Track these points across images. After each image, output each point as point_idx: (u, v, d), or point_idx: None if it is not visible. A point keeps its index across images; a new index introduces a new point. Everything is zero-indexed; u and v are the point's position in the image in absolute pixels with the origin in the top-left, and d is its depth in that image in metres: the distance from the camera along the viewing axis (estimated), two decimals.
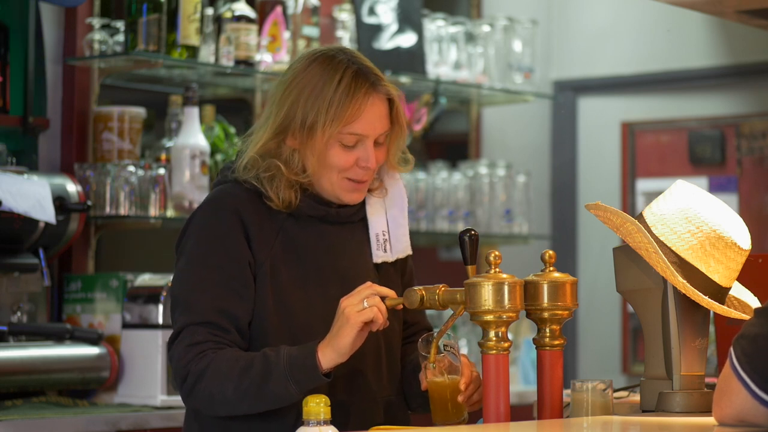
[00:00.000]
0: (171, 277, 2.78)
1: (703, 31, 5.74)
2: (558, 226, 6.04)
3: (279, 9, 4.57)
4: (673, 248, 2.64)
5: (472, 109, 5.66)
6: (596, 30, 6.00)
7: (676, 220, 2.66)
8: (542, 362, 2.62)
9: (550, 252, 2.61)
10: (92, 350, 3.99)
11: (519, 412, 2.73)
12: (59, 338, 3.96)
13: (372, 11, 5.02)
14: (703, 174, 5.73)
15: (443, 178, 5.23)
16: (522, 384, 5.33)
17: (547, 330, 2.61)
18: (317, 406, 2.26)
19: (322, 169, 2.70)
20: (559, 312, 2.58)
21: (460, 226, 5.13)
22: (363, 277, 2.70)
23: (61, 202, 3.97)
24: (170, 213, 4.22)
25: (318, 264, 2.73)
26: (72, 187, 4.04)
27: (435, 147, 5.74)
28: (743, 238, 2.68)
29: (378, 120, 2.70)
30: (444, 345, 2.64)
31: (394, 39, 5.06)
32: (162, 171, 4.19)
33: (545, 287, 2.57)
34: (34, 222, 3.89)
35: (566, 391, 2.65)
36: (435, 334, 2.62)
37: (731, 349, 2.28)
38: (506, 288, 2.49)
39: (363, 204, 2.81)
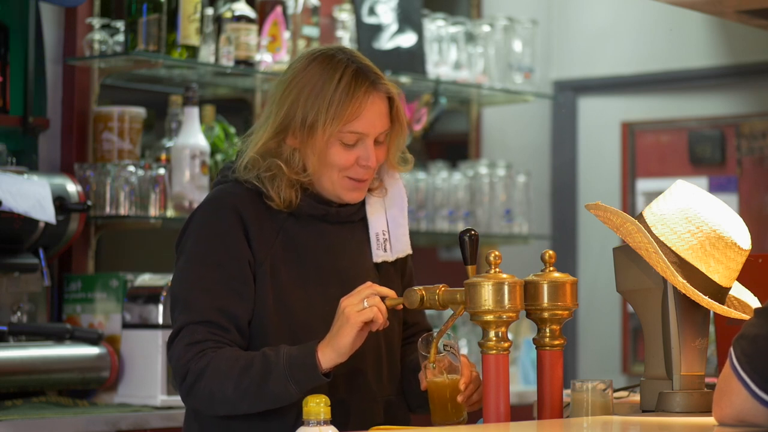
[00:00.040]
0: (171, 277, 2.78)
1: (703, 31, 5.75)
2: (558, 226, 6.04)
3: (279, 9, 4.57)
4: (673, 248, 2.64)
5: (472, 109, 5.66)
6: (596, 30, 6.00)
7: (676, 220, 2.66)
8: (542, 362, 2.62)
9: (550, 252, 2.61)
10: (92, 350, 3.99)
11: (519, 412, 2.73)
12: (59, 338, 3.96)
13: (372, 11, 5.02)
14: (703, 174, 5.73)
15: (443, 178, 5.23)
16: (522, 384, 5.33)
17: (547, 330, 2.61)
18: (317, 406, 2.26)
19: (322, 168, 2.70)
20: (559, 312, 2.58)
21: (460, 226, 5.13)
22: (363, 277, 2.70)
23: (61, 202, 3.97)
24: (170, 213, 4.22)
25: (318, 263, 2.73)
26: (72, 187, 4.04)
27: (435, 147, 5.74)
28: (743, 238, 2.68)
29: (378, 118, 2.71)
30: (444, 345, 2.64)
31: (394, 39, 5.06)
32: (162, 171, 4.19)
33: (545, 287, 2.57)
34: (34, 222, 3.89)
35: (566, 391, 2.65)
36: (435, 334, 2.62)
37: (731, 349, 2.28)
38: (506, 288, 2.49)
39: (363, 203, 2.81)
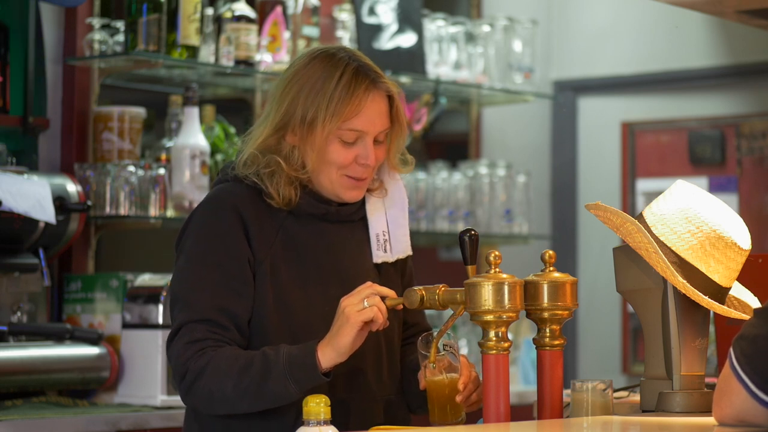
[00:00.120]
0: (171, 277, 2.78)
1: (703, 31, 5.75)
2: (558, 226, 6.04)
3: (279, 9, 4.57)
4: (673, 248, 2.64)
5: (472, 109, 5.66)
6: (596, 30, 6.00)
7: (676, 220, 2.66)
8: (542, 362, 2.62)
9: (550, 252, 2.61)
10: (92, 350, 3.99)
11: (519, 412, 2.73)
12: (59, 338, 3.96)
13: (372, 11, 5.02)
14: (703, 174, 5.73)
15: (443, 178, 5.23)
16: (522, 384, 5.33)
17: (547, 330, 2.61)
18: (317, 406, 2.26)
19: (321, 165, 2.70)
20: (559, 312, 2.58)
21: (460, 226, 5.13)
22: (363, 276, 2.70)
23: (61, 202, 3.97)
24: (170, 213, 4.22)
25: (318, 262, 2.73)
26: (72, 187, 4.04)
27: (435, 147, 5.74)
28: (743, 238, 2.68)
29: (378, 117, 2.71)
30: (444, 345, 2.64)
31: (394, 39, 5.06)
32: (162, 171, 4.19)
33: (545, 287, 2.57)
34: (34, 222, 3.89)
35: (566, 391, 2.65)
36: (435, 334, 2.62)
37: (731, 349, 2.28)
38: (506, 288, 2.49)
39: (363, 203, 2.81)
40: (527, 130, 6.00)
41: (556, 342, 2.61)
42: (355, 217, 2.80)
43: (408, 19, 5.11)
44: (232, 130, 4.49)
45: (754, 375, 2.23)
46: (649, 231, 2.65)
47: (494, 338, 2.51)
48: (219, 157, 4.38)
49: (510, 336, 2.54)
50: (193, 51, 4.29)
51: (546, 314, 2.59)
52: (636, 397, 2.88)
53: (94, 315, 4.12)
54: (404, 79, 4.98)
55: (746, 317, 2.60)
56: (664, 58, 5.85)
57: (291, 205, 2.72)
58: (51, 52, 4.24)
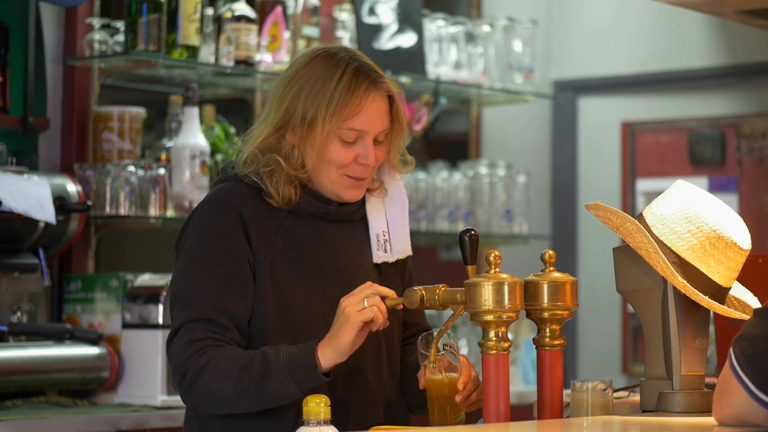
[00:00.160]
0: (171, 277, 2.78)
1: (703, 31, 5.75)
2: (558, 226, 6.04)
3: (279, 9, 4.57)
4: (673, 248, 2.64)
5: (472, 109, 5.66)
6: (596, 30, 6.00)
7: (676, 220, 2.66)
8: (542, 362, 2.62)
9: (550, 252, 2.61)
10: (92, 350, 3.99)
11: (519, 412, 2.73)
12: (59, 338, 3.96)
13: (372, 11, 5.02)
14: (703, 174, 5.73)
15: (443, 178, 5.23)
16: (522, 384, 5.33)
17: (547, 330, 2.61)
18: (317, 406, 2.26)
19: (321, 164, 2.70)
20: (559, 312, 2.58)
21: (460, 226, 5.13)
22: (363, 276, 2.70)
23: (61, 202, 3.97)
24: (170, 213, 4.22)
25: (318, 262, 2.73)
26: (72, 187, 4.04)
27: (435, 147, 5.74)
28: (743, 238, 2.68)
29: (378, 116, 2.71)
30: (444, 345, 2.64)
31: (394, 39, 5.06)
32: (162, 171, 4.19)
33: (545, 287, 2.57)
34: (34, 222, 3.89)
35: (566, 391, 2.65)
36: (435, 333, 2.62)
37: (731, 349, 2.28)
38: (506, 288, 2.49)
39: (363, 202, 2.81)
40: (527, 130, 6.00)
41: (556, 342, 2.61)
42: (355, 216, 2.80)
43: (408, 19, 5.11)
44: (232, 130, 4.49)
45: (753, 375, 2.23)
46: (649, 231, 2.65)
47: (494, 338, 2.51)
48: (219, 157, 4.38)
49: (510, 336, 2.54)
50: (193, 51, 4.29)
51: (546, 314, 2.59)
52: (636, 397, 2.88)
53: (94, 315, 4.12)
54: (404, 79, 4.98)
55: (746, 317, 2.60)
56: (664, 58, 5.85)
57: (291, 204, 2.72)
58: (51, 52, 4.24)
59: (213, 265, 2.66)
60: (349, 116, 2.68)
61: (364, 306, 2.55)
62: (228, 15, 4.40)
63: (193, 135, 4.26)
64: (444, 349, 2.64)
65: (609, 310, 5.91)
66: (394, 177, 2.84)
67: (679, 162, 5.81)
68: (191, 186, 4.23)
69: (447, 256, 5.71)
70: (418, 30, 5.13)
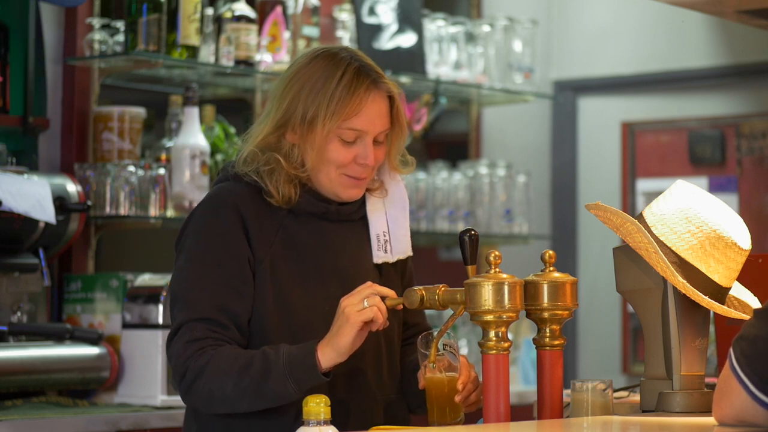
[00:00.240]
0: (171, 277, 2.78)
1: (703, 31, 5.75)
2: (558, 226, 6.04)
3: (279, 9, 4.57)
4: (673, 248, 2.64)
5: (472, 109, 5.66)
6: (596, 30, 6.00)
7: (676, 220, 2.66)
8: (542, 362, 2.62)
9: (550, 252, 2.61)
10: (92, 350, 3.99)
11: (519, 412, 2.73)
12: (59, 338, 3.96)
13: (372, 11, 5.02)
14: (703, 174, 5.73)
15: (443, 178, 5.23)
16: (522, 384, 5.33)
17: (547, 330, 2.61)
18: (317, 406, 2.26)
19: (320, 164, 2.71)
20: (559, 312, 2.58)
21: (460, 226, 5.13)
22: (362, 276, 2.70)
23: (61, 202, 3.97)
24: (170, 213, 4.22)
25: (318, 261, 2.73)
26: (72, 187, 4.04)
27: (435, 147, 5.74)
28: (743, 238, 2.68)
29: (378, 117, 2.71)
30: (444, 345, 2.64)
31: (394, 39, 5.06)
32: (162, 171, 4.19)
33: (545, 287, 2.57)
34: (34, 222, 3.89)
35: (566, 391, 2.65)
36: (435, 333, 2.62)
37: (731, 350, 2.28)
38: (506, 288, 2.49)
39: (363, 202, 2.81)
40: (527, 130, 6.00)
41: (556, 342, 2.61)
42: (354, 216, 2.80)
43: (408, 19, 5.11)
44: (232, 130, 4.49)
45: (753, 376, 2.23)
46: (649, 231, 2.65)
47: (494, 338, 2.51)
48: (219, 157, 4.38)
49: (510, 336, 2.54)
50: (193, 51, 4.29)
51: (546, 314, 2.59)
52: (636, 397, 2.88)
53: (94, 315, 4.12)
54: (404, 79, 4.98)
55: (746, 317, 2.60)
56: (664, 58, 5.85)
57: (291, 203, 2.72)
58: (51, 52, 4.24)
59: (213, 264, 2.66)
60: (350, 116, 2.68)
61: (364, 306, 2.55)
62: (228, 15, 4.40)
63: (193, 135, 4.26)
64: (444, 349, 2.64)
65: (609, 310, 5.91)
66: (394, 177, 2.84)
67: (679, 162, 5.81)
68: (191, 186, 4.23)
69: (447, 256, 5.71)
70: (418, 30, 5.13)
